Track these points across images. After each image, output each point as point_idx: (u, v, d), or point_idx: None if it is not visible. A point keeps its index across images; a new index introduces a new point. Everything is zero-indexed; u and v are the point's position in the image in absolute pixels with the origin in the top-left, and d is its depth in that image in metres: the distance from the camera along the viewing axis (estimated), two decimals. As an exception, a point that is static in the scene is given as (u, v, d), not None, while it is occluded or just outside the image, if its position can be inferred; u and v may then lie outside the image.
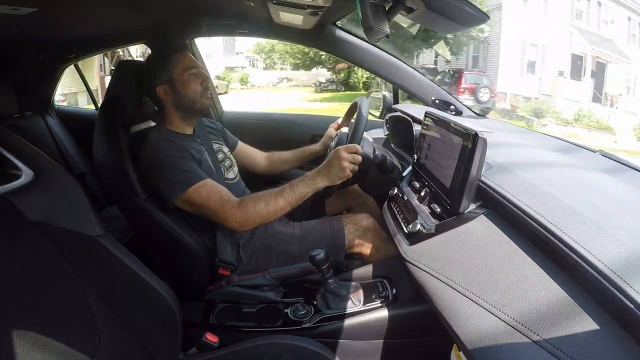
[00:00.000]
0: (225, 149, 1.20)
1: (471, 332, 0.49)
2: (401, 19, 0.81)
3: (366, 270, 1.00)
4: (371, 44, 1.43)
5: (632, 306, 0.36)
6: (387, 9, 0.71)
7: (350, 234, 1.07)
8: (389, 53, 1.44)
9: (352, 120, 1.18)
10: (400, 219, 0.84)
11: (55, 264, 0.62)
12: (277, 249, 1.05)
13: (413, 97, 1.47)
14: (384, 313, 0.88)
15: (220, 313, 0.98)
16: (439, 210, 0.73)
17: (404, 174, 1.02)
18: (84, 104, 5.66)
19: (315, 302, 0.95)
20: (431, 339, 0.87)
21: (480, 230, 0.61)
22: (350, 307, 0.91)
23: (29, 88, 1.78)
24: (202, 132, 1.13)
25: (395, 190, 0.94)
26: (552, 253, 0.47)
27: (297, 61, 18.14)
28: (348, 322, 0.89)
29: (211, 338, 0.82)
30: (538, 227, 0.49)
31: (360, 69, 15.15)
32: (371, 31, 0.66)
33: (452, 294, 0.55)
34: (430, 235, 0.69)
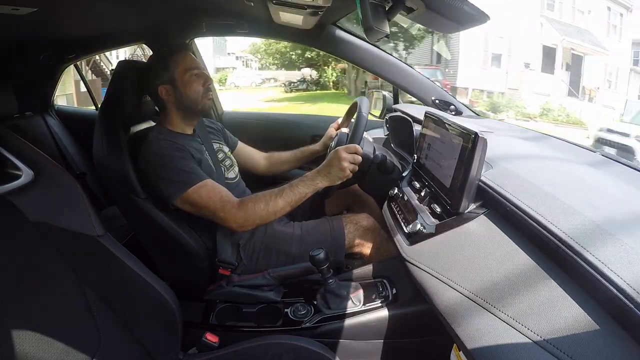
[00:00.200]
0: (226, 149, 1.20)
1: (471, 332, 0.49)
2: (401, 19, 0.81)
3: (366, 270, 1.00)
4: (371, 44, 1.43)
5: (632, 306, 0.36)
6: (387, 9, 0.71)
7: (350, 234, 1.07)
8: (388, 53, 1.44)
9: (352, 120, 1.18)
10: (400, 219, 0.83)
11: (55, 264, 0.62)
12: (277, 249, 1.05)
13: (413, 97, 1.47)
14: (384, 313, 0.88)
15: (220, 313, 0.98)
16: (439, 210, 0.73)
17: (404, 174, 1.02)
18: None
19: (315, 302, 0.95)
20: (431, 339, 0.87)
21: (480, 230, 0.61)
22: (350, 307, 0.91)
23: (29, 88, 1.78)
24: (202, 131, 1.13)
25: (395, 190, 0.94)
26: (552, 253, 0.47)
27: (276, 61, 17.94)
28: (348, 322, 0.89)
29: (211, 338, 0.83)
30: (538, 227, 0.49)
31: (330, 68, 15.00)
32: (371, 31, 0.66)
33: (452, 294, 0.55)
34: (430, 235, 0.69)
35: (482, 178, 0.65)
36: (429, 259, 0.65)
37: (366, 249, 1.08)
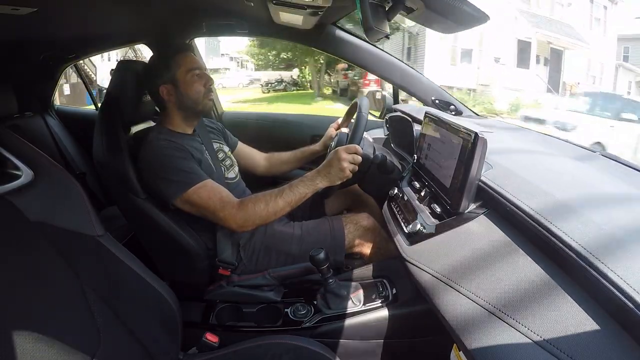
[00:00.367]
0: (226, 149, 1.20)
1: (471, 332, 0.49)
2: (401, 19, 0.81)
3: (366, 270, 1.00)
4: (371, 44, 1.43)
5: (632, 306, 0.36)
6: (387, 9, 0.72)
7: (350, 234, 1.07)
8: (388, 53, 1.44)
9: (352, 121, 1.18)
10: (400, 219, 0.83)
11: (55, 264, 0.62)
12: (277, 249, 1.05)
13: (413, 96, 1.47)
14: (384, 313, 0.88)
15: (220, 313, 0.98)
16: (439, 210, 0.73)
17: (404, 174, 1.02)
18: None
19: (315, 302, 0.95)
20: (431, 339, 0.87)
21: (480, 230, 0.61)
22: (351, 307, 0.91)
23: (29, 88, 1.79)
24: (202, 131, 1.13)
25: (395, 190, 0.94)
26: (552, 253, 0.47)
27: (260, 62, 17.95)
28: (348, 322, 0.89)
29: (211, 338, 0.82)
30: (538, 227, 0.49)
31: (307, 67, 14.82)
32: (371, 31, 0.66)
33: (452, 294, 0.55)
34: (430, 235, 0.69)
35: (482, 178, 0.65)
36: (428, 259, 0.65)
37: (366, 249, 1.08)
